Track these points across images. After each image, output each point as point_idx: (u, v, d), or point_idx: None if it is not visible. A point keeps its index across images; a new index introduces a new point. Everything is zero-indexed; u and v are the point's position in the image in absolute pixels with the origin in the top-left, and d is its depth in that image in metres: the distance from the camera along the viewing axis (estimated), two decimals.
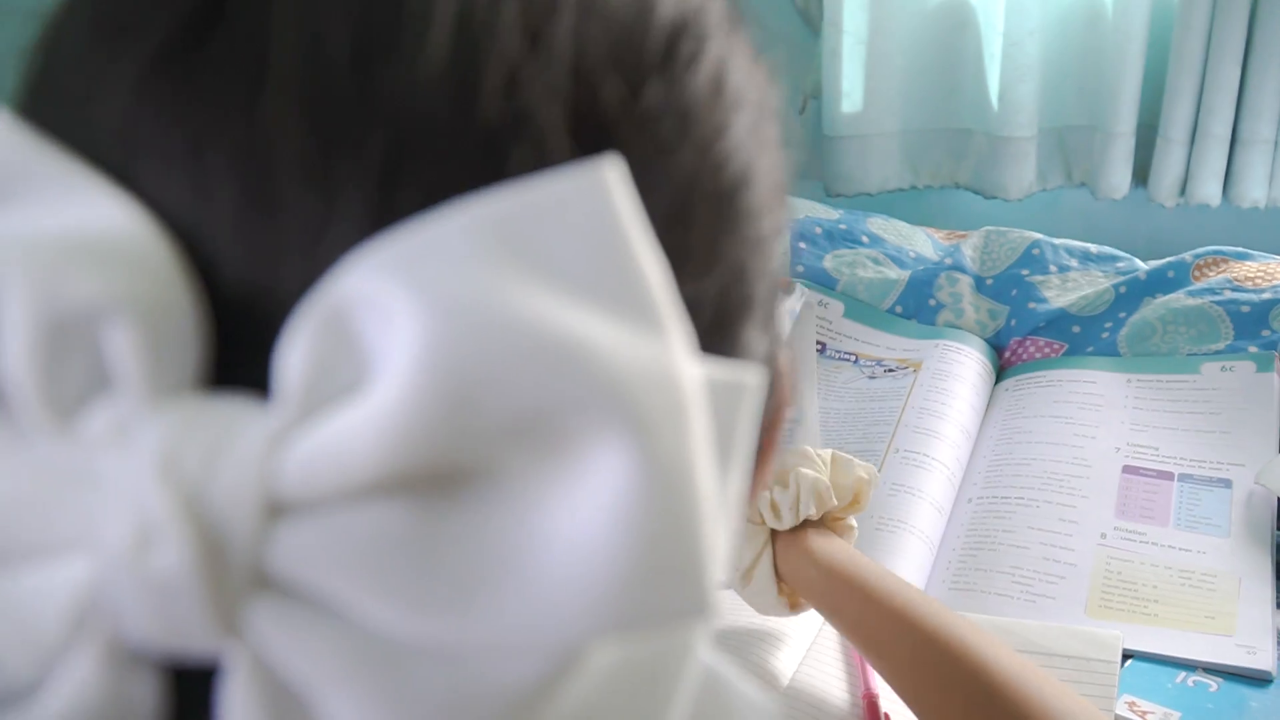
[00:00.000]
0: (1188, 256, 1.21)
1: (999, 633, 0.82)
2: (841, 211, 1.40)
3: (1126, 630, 0.86)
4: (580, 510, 0.19)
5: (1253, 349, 1.08)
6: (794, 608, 0.82)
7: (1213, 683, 0.82)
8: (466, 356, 0.18)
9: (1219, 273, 1.18)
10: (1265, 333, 1.09)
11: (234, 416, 0.20)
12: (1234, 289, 1.14)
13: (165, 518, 0.19)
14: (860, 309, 1.26)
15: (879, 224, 1.38)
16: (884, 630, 0.71)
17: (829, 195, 1.70)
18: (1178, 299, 1.16)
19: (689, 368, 0.20)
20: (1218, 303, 1.13)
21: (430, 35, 0.22)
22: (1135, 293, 1.19)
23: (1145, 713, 0.79)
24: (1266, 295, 1.12)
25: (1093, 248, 1.28)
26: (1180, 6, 1.48)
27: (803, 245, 1.32)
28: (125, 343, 0.20)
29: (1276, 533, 0.93)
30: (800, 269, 1.30)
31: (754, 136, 0.28)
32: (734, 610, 0.91)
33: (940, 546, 0.98)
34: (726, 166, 0.27)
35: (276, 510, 0.19)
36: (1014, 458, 1.06)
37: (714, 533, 0.20)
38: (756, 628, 0.88)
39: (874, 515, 0.98)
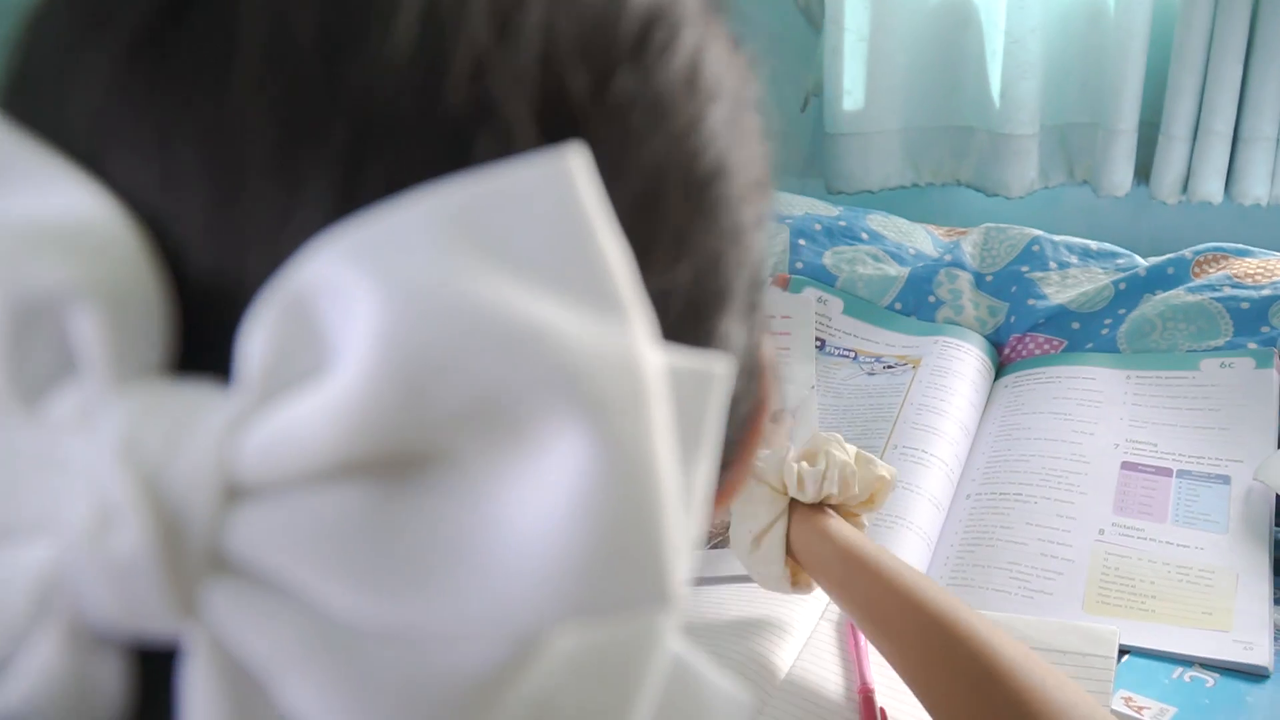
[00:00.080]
0: (1188, 253, 1.21)
1: None
2: (841, 208, 1.40)
3: (1124, 626, 0.86)
4: (538, 495, 0.19)
5: (1252, 345, 1.08)
6: (795, 585, 0.82)
7: (1209, 678, 0.82)
8: (424, 342, 0.18)
9: (1219, 269, 1.18)
10: (1265, 329, 1.09)
11: (195, 401, 0.20)
12: (1234, 285, 1.14)
13: (124, 500, 0.19)
14: (859, 306, 1.26)
15: (879, 221, 1.38)
16: (892, 609, 0.72)
17: (830, 193, 1.70)
18: (1177, 295, 1.16)
19: (650, 354, 0.20)
20: (1217, 299, 1.13)
21: (397, 23, 0.22)
22: (1135, 289, 1.19)
23: (1141, 708, 0.79)
24: (1266, 292, 1.12)
25: (1093, 244, 1.28)
26: (1182, 4, 1.47)
27: (802, 242, 1.32)
28: (91, 328, 0.20)
29: (1275, 529, 0.93)
30: (800, 266, 1.30)
31: (731, 127, 0.28)
32: (732, 603, 0.91)
33: (938, 542, 0.98)
34: (701, 156, 0.27)
35: (235, 493, 0.19)
36: (1012, 454, 1.06)
37: (676, 521, 0.20)
38: (754, 620, 0.88)
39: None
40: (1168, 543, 0.94)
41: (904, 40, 1.64)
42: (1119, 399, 1.09)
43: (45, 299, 0.20)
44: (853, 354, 1.21)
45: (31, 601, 0.20)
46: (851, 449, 0.83)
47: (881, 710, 0.80)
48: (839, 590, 0.77)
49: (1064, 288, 1.23)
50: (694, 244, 0.26)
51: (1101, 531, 0.96)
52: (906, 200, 1.71)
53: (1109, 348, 1.16)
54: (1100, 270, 1.24)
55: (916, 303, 1.25)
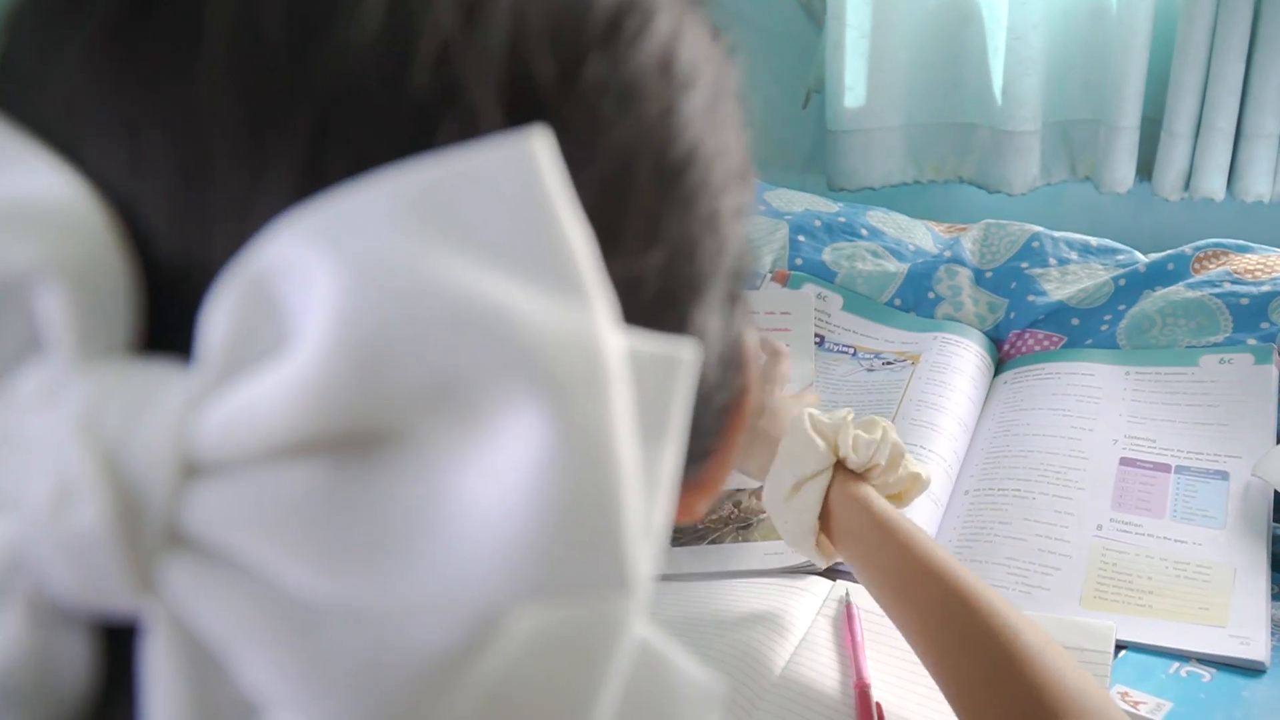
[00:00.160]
0: (1188, 249, 1.20)
1: None
2: (841, 205, 1.40)
3: (1120, 621, 0.86)
4: (495, 474, 0.19)
5: (1251, 341, 1.08)
6: (816, 548, 0.82)
7: (1206, 673, 0.82)
8: (381, 321, 0.18)
9: (1219, 265, 1.18)
10: (1264, 325, 1.09)
11: (156, 379, 0.20)
12: (1234, 281, 1.14)
13: (83, 476, 0.19)
14: (859, 302, 1.26)
15: (878, 217, 1.38)
16: (917, 579, 0.72)
17: (832, 190, 1.70)
18: (1177, 291, 1.15)
19: (612, 337, 0.20)
20: (1217, 295, 1.13)
21: (363, 8, 0.23)
22: (1134, 285, 1.19)
23: (1137, 703, 0.79)
24: (1266, 288, 1.11)
25: (1093, 240, 1.28)
26: (1185, 0, 1.47)
27: (801, 238, 1.32)
28: (57, 307, 0.21)
29: (1273, 524, 0.93)
30: (799, 262, 1.30)
31: (708, 115, 0.28)
32: (729, 598, 0.91)
33: (936, 538, 0.98)
34: (674, 143, 0.27)
35: (193, 471, 0.20)
36: (1011, 450, 1.05)
37: (636, 503, 0.20)
38: (750, 616, 0.88)
39: None
40: (1165, 538, 0.93)
41: (906, 36, 1.64)
42: (1118, 395, 1.09)
43: (13, 277, 0.20)
44: (852, 350, 1.21)
45: None
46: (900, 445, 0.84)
47: (878, 705, 0.80)
48: (865, 557, 0.78)
49: (1064, 284, 1.22)
50: (666, 230, 0.26)
51: (1099, 527, 0.96)
52: (908, 197, 1.71)
53: (1108, 344, 1.15)
54: (1100, 266, 1.24)
55: (916, 299, 1.25)
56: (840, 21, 1.62)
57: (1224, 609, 0.86)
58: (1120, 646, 0.84)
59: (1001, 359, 1.21)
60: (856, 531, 0.78)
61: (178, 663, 0.20)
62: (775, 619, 0.88)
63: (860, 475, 0.82)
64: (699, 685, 0.27)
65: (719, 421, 0.33)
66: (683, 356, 0.22)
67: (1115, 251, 1.26)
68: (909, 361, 1.17)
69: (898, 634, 0.86)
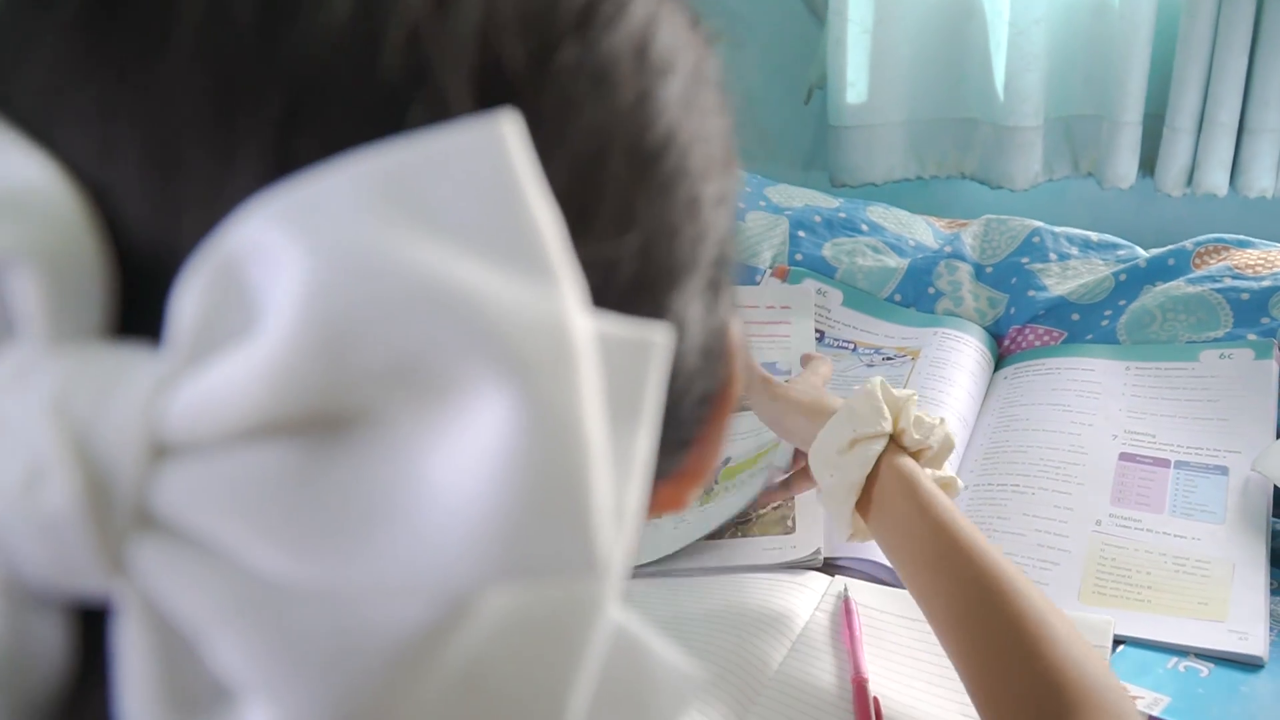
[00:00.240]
0: (1188, 244, 1.20)
1: None
2: (841, 200, 1.40)
3: (1119, 616, 0.86)
4: (463, 455, 0.19)
5: (1252, 336, 1.08)
6: (851, 523, 0.82)
7: (1203, 668, 0.82)
8: (347, 303, 0.19)
9: (1220, 260, 1.17)
10: (1265, 320, 1.09)
11: (126, 362, 0.21)
12: (1234, 276, 1.14)
13: (53, 456, 0.19)
14: (859, 297, 1.26)
15: (879, 212, 1.38)
16: (949, 556, 0.73)
17: (834, 186, 1.70)
18: (1177, 287, 1.15)
19: (579, 319, 0.20)
20: (1218, 290, 1.13)
21: None
22: (1135, 280, 1.19)
23: (1135, 697, 0.79)
24: (1266, 283, 1.11)
25: (1093, 235, 1.28)
26: None
27: (802, 234, 1.32)
28: (30, 291, 0.21)
29: (1272, 519, 0.92)
30: (799, 257, 1.30)
31: (685, 101, 0.28)
32: (727, 594, 0.91)
33: None
34: (649, 129, 0.27)
35: (162, 452, 0.20)
36: (1011, 445, 1.05)
37: (604, 485, 0.20)
38: (748, 611, 0.88)
39: None
40: (1164, 533, 0.93)
41: (908, 32, 1.64)
42: (1118, 390, 1.09)
43: None
44: (852, 345, 1.21)
45: None
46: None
47: (875, 699, 0.80)
48: (899, 527, 0.78)
49: (1064, 279, 1.22)
50: (642, 215, 0.27)
51: (1098, 522, 0.96)
52: (910, 193, 1.71)
53: (1109, 339, 1.15)
54: (1100, 262, 1.24)
55: (916, 294, 1.25)
56: (842, 17, 1.62)
57: (1223, 604, 0.86)
58: (1118, 641, 0.84)
59: (1002, 354, 1.20)
60: (895, 502, 0.79)
61: (149, 644, 0.20)
62: (773, 614, 0.88)
63: (910, 454, 0.82)
64: (677, 672, 0.27)
65: (701, 410, 0.33)
66: (655, 340, 0.22)
67: (1116, 247, 1.26)
68: (909, 357, 1.17)
69: (896, 629, 0.87)
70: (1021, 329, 1.20)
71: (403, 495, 0.19)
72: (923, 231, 1.36)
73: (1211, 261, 1.18)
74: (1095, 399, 1.08)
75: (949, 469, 0.85)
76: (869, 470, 0.80)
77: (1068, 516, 0.97)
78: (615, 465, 0.22)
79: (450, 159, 0.20)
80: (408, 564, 0.19)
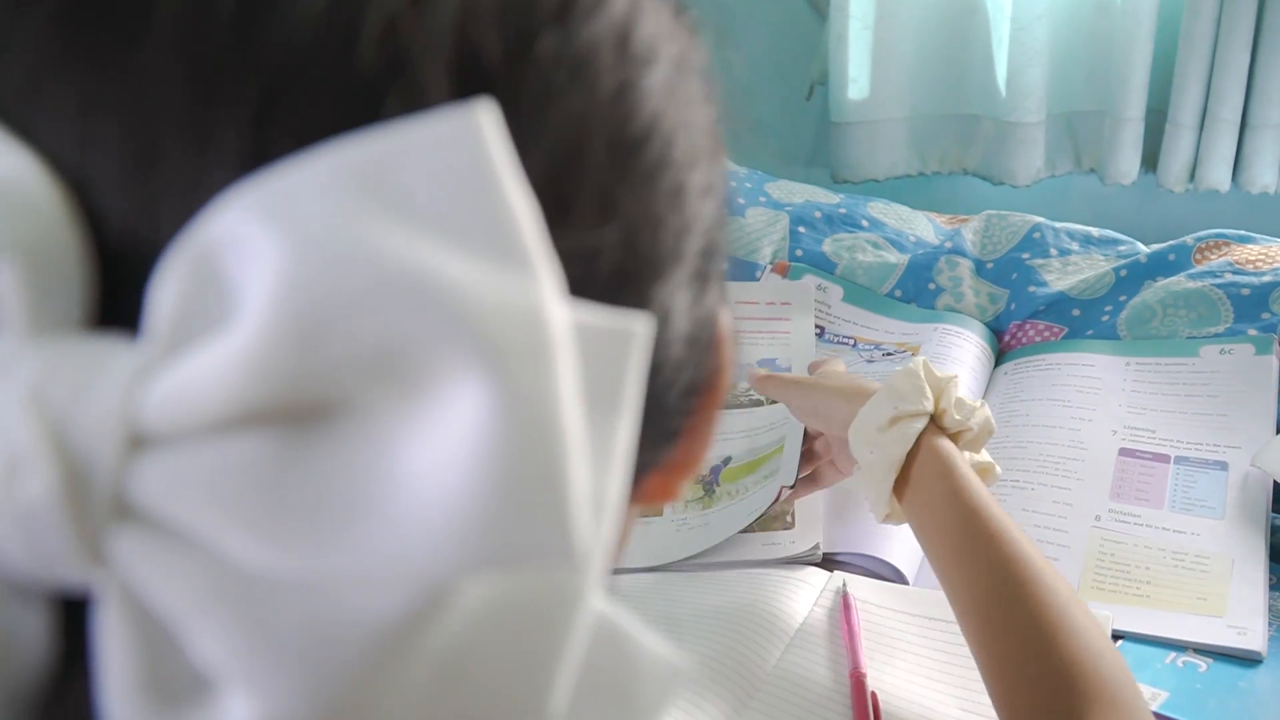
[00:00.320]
0: (1189, 239, 1.20)
1: None
2: (842, 196, 1.40)
3: (1118, 611, 0.86)
4: (438, 444, 0.19)
5: (1252, 332, 1.08)
6: (889, 502, 0.82)
7: (1202, 663, 0.82)
8: (322, 292, 0.19)
9: (1221, 256, 1.17)
10: (1265, 315, 1.09)
11: (104, 353, 0.21)
12: (1235, 272, 1.13)
13: (31, 448, 0.19)
14: (859, 293, 1.26)
15: (879, 208, 1.37)
16: (978, 539, 0.73)
17: (836, 182, 1.70)
18: (1178, 282, 1.15)
19: (556, 308, 0.20)
20: (1218, 285, 1.13)
21: None
22: (1136, 276, 1.19)
23: None
24: (1267, 278, 1.11)
25: (1094, 231, 1.27)
26: None
27: (802, 229, 1.31)
28: (9, 283, 0.21)
29: (1271, 515, 0.92)
30: (799, 253, 1.30)
31: (669, 90, 0.28)
32: (725, 590, 0.91)
33: None
34: (631, 118, 0.27)
35: (139, 442, 0.20)
36: (1010, 441, 1.05)
37: (581, 474, 0.20)
38: (745, 608, 0.88)
39: None
40: (1164, 529, 0.93)
41: (909, 28, 1.64)
42: (1118, 386, 1.09)
43: None
44: (852, 341, 1.21)
45: None
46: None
47: (873, 694, 0.80)
48: (932, 508, 0.78)
49: (1065, 274, 1.22)
50: (624, 206, 0.27)
51: (1098, 518, 0.96)
52: (912, 189, 1.71)
53: (1109, 334, 1.15)
54: (1101, 257, 1.24)
55: (916, 290, 1.25)
56: (844, 13, 1.62)
57: (1222, 599, 0.86)
58: (1117, 636, 0.84)
59: (1002, 350, 1.20)
60: (930, 483, 0.79)
61: (129, 634, 0.20)
62: (772, 609, 0.88)
63: (950, 435, 0.82)
64: (662, 662, 0.27)
65: (689, 401, 0.33)
66: (635, 330, 0.22)
67: (1116, 242, 1.26)
68: (909, 353, 1.17)
69: (894, 625, 0.87)
70: (1022, 324, 1.20)
71: (379, 485, 0.19)
72: (923, 227, 1.35)
73: (1212, 257, 1.18)
74: (1095, 394, 1.08)
75: None
76: (909, 448, 0.80)
77: (1067, 512, 0.96)
78: (594, 455, 0.22)
79: (426, 148, 0.20)
80: (384, 554, 0.19)
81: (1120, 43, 1.53)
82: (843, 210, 1.35)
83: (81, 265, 0.22)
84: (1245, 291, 1.11)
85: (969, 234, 1.29)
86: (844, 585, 0.90)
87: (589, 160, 0.25)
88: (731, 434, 1.05)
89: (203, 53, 0.22)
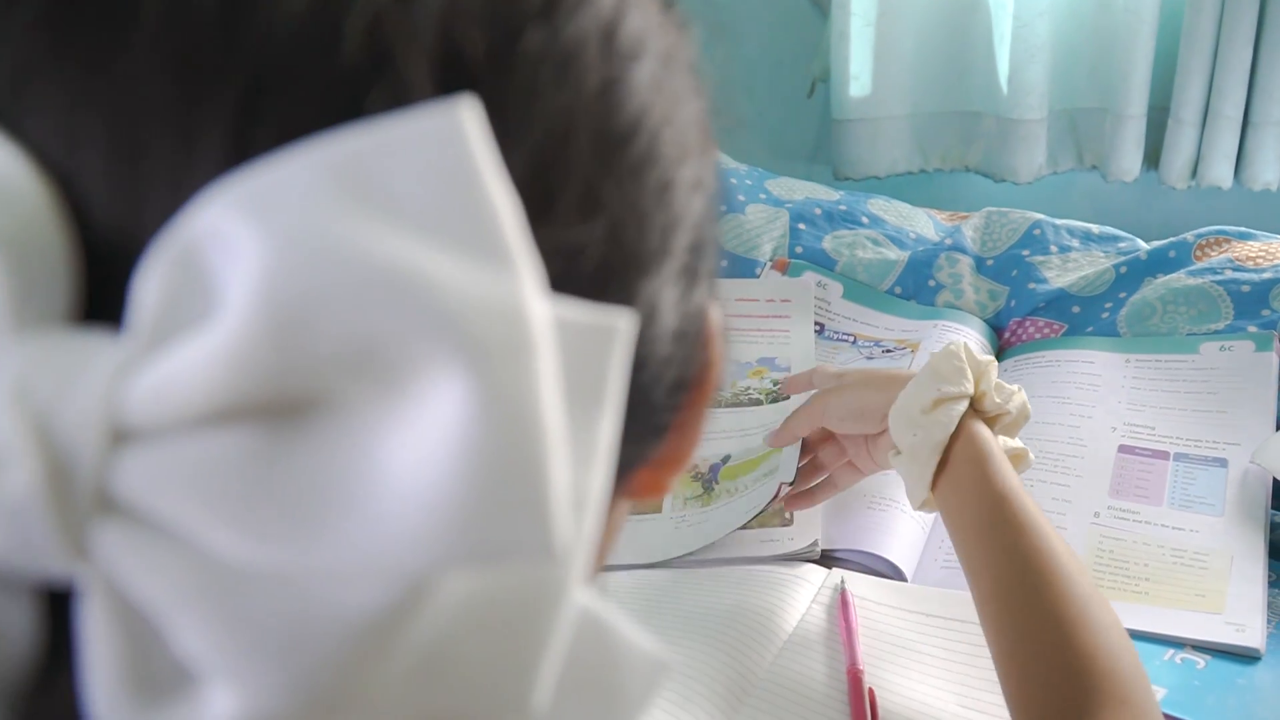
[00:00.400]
0: (1189, 236, 1.20)
1: None
2: (842, 193, 1.40)
3: (1117, 608, 0.85)
4: (419, 439, 0.19)
5: (1252, 329, 1.08)
6: (929, 486, 0.82)
7: (1201, 660, 0.82)
8: (302, 288, 0.19)
9: (1221, 252, 1.17)
10: (1265, 312, 1.08)
11: (87, 348, 0.21)
12: (1235, 268, 1.13)
13: (14, 440, 0.19)
14: (859, 290, 1.26)
15: (879, 205, 1.37)
16: (1007, 526, 0.73)
17: (838, 179, 1.70)
18: (1178, 279, 1.15)
19: (537, 304, 0.20)
20: (1218, 282, 1.12)
21: None
22: (1136, 273, 1.19)
23: None
24: (1267, 275, 1.11)
25: (1094, 228, 1.27)
26: None
27: (802, 226, 1.31)
28: None
29: (1270, 511, 0.92)
30: (799, 250, 1.30)
31: (656, 85, 0.28)
32: (723, 587, 0.91)
33: (933, 526, 0.98)
34: (616, 114, 0.27)
35: (122, 437, 0.20)
36: None
37: (561, 469, 0.20)
38: (743, 605, 0.88)
39: (866, 493, 0.98)
40: (1163, 525, 0.93)
41: (911, 25, 1.64)
42: (1118, 382, 1.09)
43: None
44: (852, 338, 1.21)
45: None
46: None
47: (870, 691, 0.80)
48: (964, 493, 0.78)
49: (1065, 271, 1.22)
50: (609, 201, 0.27)
51: (1097, 514, 0.96)
52: (914, 186, 1.71)
53: (1109, 331, 1.15)
54: (1101, 254, 1.24)
55: (916, 287, 1.25)
56: (845, 10, 1.62)
57: (1220, 596, 0.86)
58: None
59: (1002, 347, 1.20)
60: (964, 468, 0.79)
61: (113, 627, 0.20)
62: (770, 606, 0.88)
63: (988, 419, 0.83)
64: (647, 656, 0.27)
65: (677, 396, 0.33)
66: (617, 326, 0.22)
67: (1117, 239, 1.26)
68: (909, 349, 1.17)
69: (892, 622, 0.87)
70: (1022, 321, 1.20)
71: (360, 480, 0.19)
72: (923, 224, 1.35)
73: (1213, 253, 1.17)
74: (1095, 391, 1.08)
75: None
76: (952, 430, 0.80)
77: (1066, 509, 0.97)
78: (575, 451, 0.22)
79: (408, 145, 0.20)
80: (365, 548, 0.19)
81: (1122, 39, 1.53)
82: (843, 207, 1.35)
83: (66, 260, 0.22)
84: (1245, 288, 1.11)
85: (969, 231, 1.29)
86: (842, 582, 0.90)
87: (574, 156, 0.26)
88: (730, 432, 1.05)
89: (187, 49, 0.23)
